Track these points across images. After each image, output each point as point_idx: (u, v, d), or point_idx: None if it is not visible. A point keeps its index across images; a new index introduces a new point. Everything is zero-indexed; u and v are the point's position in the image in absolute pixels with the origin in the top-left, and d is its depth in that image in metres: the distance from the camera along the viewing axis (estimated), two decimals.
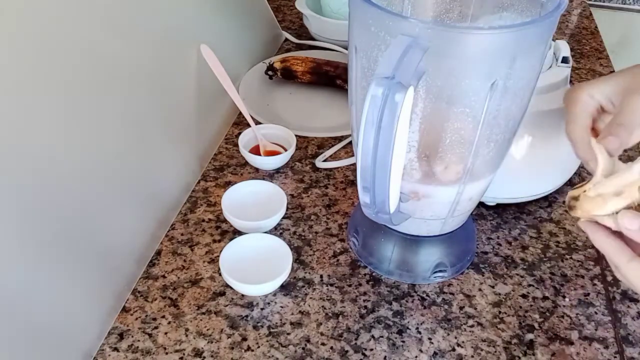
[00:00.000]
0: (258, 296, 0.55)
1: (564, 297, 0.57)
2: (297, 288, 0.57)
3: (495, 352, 0.51)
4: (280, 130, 0.74)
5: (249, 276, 0.53)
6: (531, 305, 0.56)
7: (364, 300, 0.56)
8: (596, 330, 0.53)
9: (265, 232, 0.60)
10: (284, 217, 0.64)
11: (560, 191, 0.68)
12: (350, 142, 0.76)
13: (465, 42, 0.41)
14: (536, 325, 0.54)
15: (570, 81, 0.69)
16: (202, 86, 0.74)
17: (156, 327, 0.52)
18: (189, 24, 0.73)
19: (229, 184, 0.69)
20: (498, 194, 0.63)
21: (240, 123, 0.80)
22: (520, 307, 0.55)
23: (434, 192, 0.50)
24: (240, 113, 0.77)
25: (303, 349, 0.51)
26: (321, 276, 0.58)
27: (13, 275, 0.42)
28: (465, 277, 0.58)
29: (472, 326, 0.53)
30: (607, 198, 0.39)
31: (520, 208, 0.67)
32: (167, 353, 0.50)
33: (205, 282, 0.57)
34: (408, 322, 0.54)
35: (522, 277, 0.59)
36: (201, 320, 0.53)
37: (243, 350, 0.51)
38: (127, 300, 0.55)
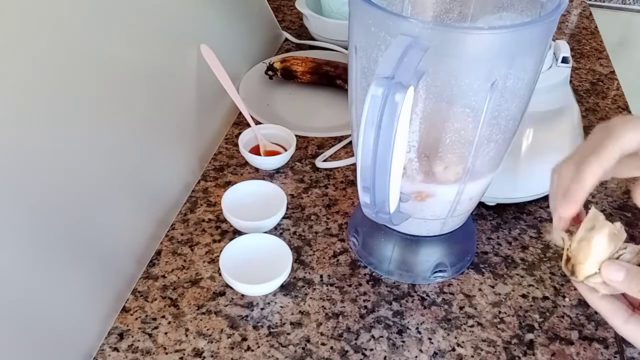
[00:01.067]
0: (258, 296, 0.55)
1: (564, 297, 0.57)
2: (297, 288, 0.57)
3: (495, 352, 0.51)
4: (280, 130, 0.74)
5: (249, 276, 0.53)
6: (531, 305, 0.56)
7: (364, 300, 0.56)
8: (596, 330, 0.53)
9: (265, 232, 0.60)
10: (284, 217, 0.64)
11: None
12: (350, 142, 0.76)
13: (465, 42, 0.41)
14: (536, 325, 0.54)
15: (571, 81, 0.69)
16: (202, 86, 0.74)
17: (156, 327, 0.52)
18: (189, 24, 0.73)
19: (229, 184, 0.69)
20: (498, 194, 0.63)
21: (240, 123, 0.80)
22: (520, 307, 0.55)
23: (434, 192, 0.50)
24: (240, 113, 0.77)
25: (303, 349, 0.51)
26: (321, 276, 0.58)
27: (13, 275, 0.42)
28: (465, 277, 0.58)
29: (472, 326, 0.53)
30: (586, 237, 0.38)
31: (520, 208, 0.67)
32: (167, 353, 0.50)
33: (205, 282, 0.57)
34: (408, 322, 0.54)
35: (522, 277, 0.59)
36: (201, 320, 0.53)
37: (243, 350, 0.51)
38: (127, 300, 0.55)
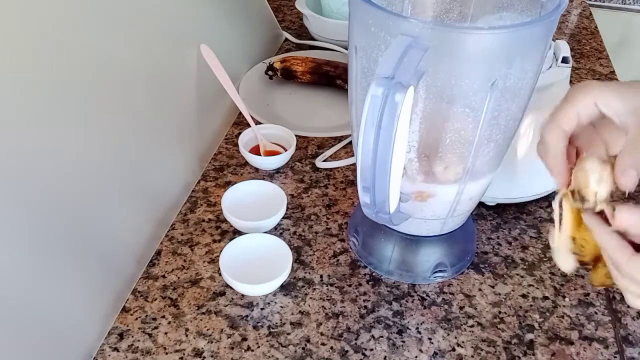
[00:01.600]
0: (258, 296, 0.55)
1: (564, 297, 0.57)
2: (297, 288, 0.57)
3: (495, 352, 0.51)
4: (280, 130, 0.74)
5: (249, 276, 0.53)
6: (531, 305, 0.56)
7: (364, 300, 0.56)
8: (596, 330, 0.53)
9: (265, 232, 0.60)
10: (284, 217, 0.64)
11: None
12: (350, 142, 0.76)
13: (465, 42, 0.41)
14: (536, 325, 0.54)
15: (571, 81, 0.69)
16: (202, 86, 0.74)
17: (156, 327, 0.52)
18: (189, 24, 0.73)
19: (229, 184, 0.69)
20: (498, 194, 0.63)
21: (240, 123, 0.80)
22: (520, 307, 0.55)
23: (434, 192, 0.50)
24: (240, 113, 0.77)
25: (303, 349, 0.51)
26: (321, 276, 0.58)
27: (13, 275, 0.42)
28: (465, 277, 0.58)
29: (472, 326, 0.53)
30: (578, 167, 0.39)
31: (520, 208, 0.67)
32: (167, 353, 0.50)
33: (205, 282, 0.57)
34: (408, 322, 0.54)
35: (522, 277, 0.59)
36: (201, 320, 0.53)
37: (243, 350, 0.51)
38: (127, 300, 0.55)
